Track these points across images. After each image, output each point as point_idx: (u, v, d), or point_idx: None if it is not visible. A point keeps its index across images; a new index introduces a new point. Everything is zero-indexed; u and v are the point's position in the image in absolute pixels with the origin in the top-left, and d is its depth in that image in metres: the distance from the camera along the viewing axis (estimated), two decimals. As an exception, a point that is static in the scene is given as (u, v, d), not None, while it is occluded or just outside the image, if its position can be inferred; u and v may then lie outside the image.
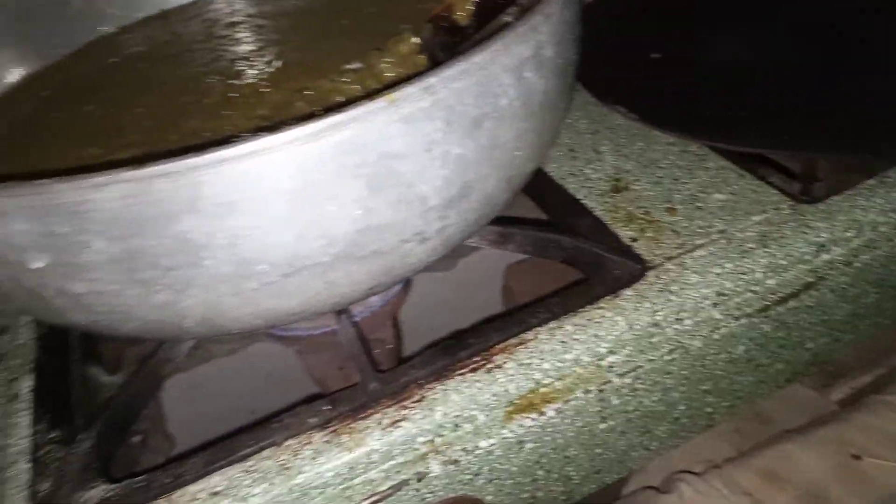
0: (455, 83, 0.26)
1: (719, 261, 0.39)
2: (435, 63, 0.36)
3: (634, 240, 0.42)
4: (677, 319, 0.38)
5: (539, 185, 0.48)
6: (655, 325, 0.37)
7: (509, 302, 0.67)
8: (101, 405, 0.40)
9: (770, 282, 0.39)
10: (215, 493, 0.32)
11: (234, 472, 0.33)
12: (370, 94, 0.24)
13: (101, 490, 0.33)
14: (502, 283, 0.69)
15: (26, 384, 0.41)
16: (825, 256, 0.41)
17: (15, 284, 0.27)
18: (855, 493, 0.48)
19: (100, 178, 0.22)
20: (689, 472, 0.52)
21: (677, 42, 0.52)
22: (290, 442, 0.34)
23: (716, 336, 0.38)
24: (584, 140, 0.52)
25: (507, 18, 0.37)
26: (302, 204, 0.25)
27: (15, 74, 0.47)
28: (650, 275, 0.39)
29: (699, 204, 0.43)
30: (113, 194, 0.23)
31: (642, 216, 0.43)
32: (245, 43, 0.49)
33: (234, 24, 0.51)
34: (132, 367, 0.46)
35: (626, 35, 0.55)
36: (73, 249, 0.25)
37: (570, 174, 0.48)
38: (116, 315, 0.28)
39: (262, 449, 0.33)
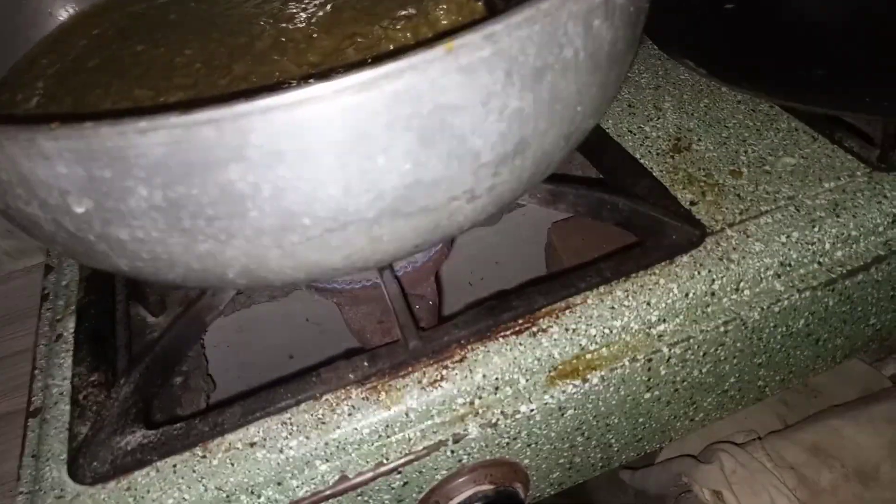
0: (519, 31, 0.24)
1: (786, 229, 0.37)
2: (493, 11, 0.33)
3: (694, 203, 0.39)
4: (735, 290, 0.36)
5: (595, 142, 0.45)
6: (711, 294, 0.36)
7: (553, 260, 0.66)
8: (145, 347, 0.41)
9: (839, 253, 0.37)
10: (252, 444, 0.32)
11: (271, 423, 0.33)
12: (427, 42, 0.23)
13: (139, 436, 0.33)
14: (546, 240, 0.68)
15: (70, 325, 0.42)
16: (899, 230, 0.38)
17: (58, 227, 0.26)
18: (906, 475, 0.46)
19: (144, 123, 0.21)
20: (731, 441, 0.51)
21: None
22: (327, 396, 0.33)
23: (776, 309, 0.37)
24: (644, 95, 0.49)
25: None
26: (350, 156, 0.24)
27: (66, 12, 0.46)
28: (709, 241, 0.37)
29: (767, 167, 0.41)
30: (157, 140, 0.22)
31: (704, 178, 0.41)
32: None
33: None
34: (176, 309, 0.46)
35: None
36: (115, 195, 0.24)
37: (629, 131, 0.46)
38: (159, 263, 0.27)
39: (300, 402, 0.33)
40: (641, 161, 0.43)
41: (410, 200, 0.26)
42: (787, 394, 0.56)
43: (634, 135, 0.45)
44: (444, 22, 0.35)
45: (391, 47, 0.36)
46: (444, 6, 0.35)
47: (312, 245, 0.27)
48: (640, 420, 0.38)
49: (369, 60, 0.22)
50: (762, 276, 0.36)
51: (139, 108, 0.32)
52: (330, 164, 0.24)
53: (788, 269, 0.36)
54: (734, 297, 0.36)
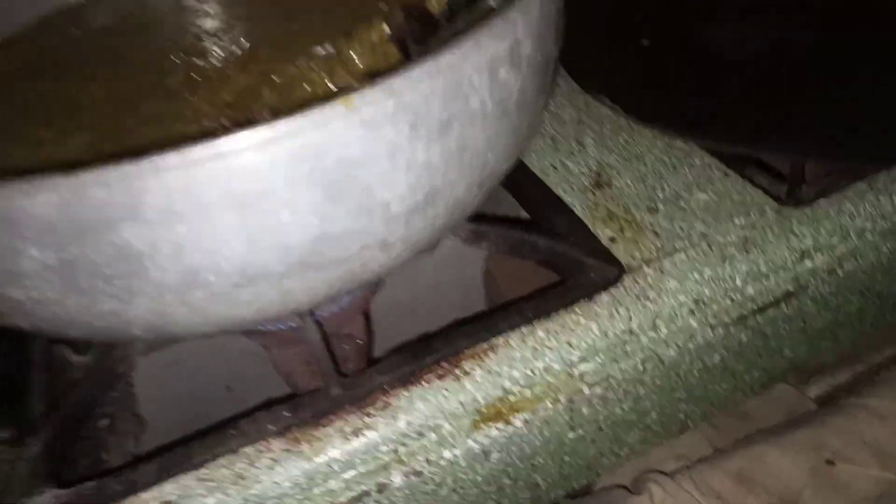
0: (421, 85, 0.24)
1: (699, 266, 0.38)
2: (406, 54, 0.34)
3: (613, 240, 0.40)
4: (653, 327, 0.37)
5: (518, 179, 0.46)
6: (630, 332, 0.36)
7: (490, 284, 0.66)
8: (63, 393, 0.39)
9: (750, 290, 0.38)
10: (168, 502, 0.31)
11: (187, 480, 0.32)
12: (328, 97, 0.22)
13: (49, 496, 0.32)
14: (483, 267, 0.68)
15: (-21, 378, 0.40)
16: (808, 264, 0.39)
17: (-53, 289, 0.25)
18: (827, 499, 0.47)
19: (29, 185, 0.21)
20: (660, 471, 0.52)
21: (669, 29, 0.50)
22: (247, 449, 0.32)
23: (691, 345, 0.37)
24: (567, 130, 0.50)
25: (490, 2, 0.35)
26: (253, 212, 0.24)
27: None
28: (627, 279, 0.38)
29: (682, 203, 0.42)
30: (45, 201, 0.21)
31: (623, 214, 0.42)
32: (214, 17, 0.47)
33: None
34: (102, 347, 0.44)
35: (615, 18, 0.53)
36: (6, 256, 0.23)
37: (552, 166, 0.47)
38: (58, 322, 0.26)
39: (217, 457, 0.32)
40: (564, 197, 0.44)
41: (320, 253, 0.26)
42: (716, 418, 0.58)
43: (557, 170, 0.46)
44: (360, 64, 0.35)
45: (306, 87, 0.36)
46: (359, 49, 0.35)
47: (220, 300, 0.26)
48: (566, 459, 0.39)
49: (268, 116, 0.22)
50: (677, 313, 0.37)
51: (26, 169, 0.31)
52: (231, 220, 0.24)
53: (702, 305, 0.37)
54: (651, 334, 0.37)
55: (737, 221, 0.40)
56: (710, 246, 0.39)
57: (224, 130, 0.22)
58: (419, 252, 0.31)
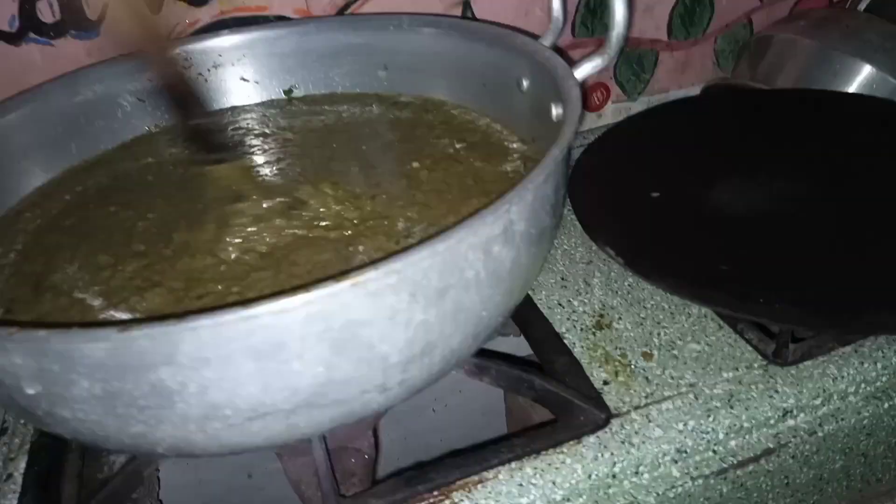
0: (421, 264, 0.29)
1: (684, 417, 0.41)
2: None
3: (607, 383, 0.43)
4: (635, 473, 0.39)
5: (524, 314, 0.50)
6: (613, 476, 0.39)
7: (513, 405, 0.68)
8: (100, 482, 0.43)
9: (731, 443, 0.40)
10: None
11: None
12: (339, 275, 0.27)
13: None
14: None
15: (21, 465, 0.44)
16: (790, 422, 0.42)
17: (11, 401, 0.30)
18: None
19: (89, 334, 0.25)
20: None
21: (679, 182, 0.54)
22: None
23: (671, 494, 0.39)
24: (577, 269, 0.54)
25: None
26: (268, 361, 0.28)
27: (56, 169, 0.51)
28: (615, 423, 0.41)
29: (675, 352, 0.45)
30: (99, 346, 0.26)
31: (619, 358, 0.45)
32: (273, 164, 0.51)
33: (265, 136, 0.54)
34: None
35: (626, 170, 0.58)
36: (61, 384, 0.27)
37: (558, 304, 0.50)
38: (97, 437, 0.30)
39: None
40: (566, 336, 0.47)
41: (324, 395, 0.30)
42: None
43: (563, 308, 0.50)
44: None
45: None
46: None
47: (234, 430, 0.30)
48: None
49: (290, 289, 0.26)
50: (660, 461, 0.39)
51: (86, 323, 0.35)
52: (249, 367, 0.28)
53: (685, 455, 0.40)
54: (634, 479, 0.39)
55: (724, 375, 0.43)
56: (696, 397, 0.42)
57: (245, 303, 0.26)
58: (416, 393, 0.34)
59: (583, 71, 0.42)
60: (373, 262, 0.27)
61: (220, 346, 0.27)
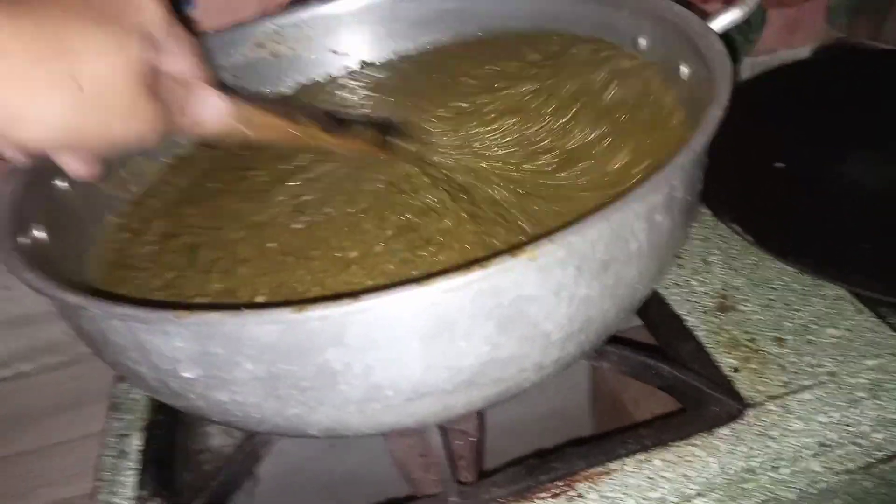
0: (590, 233, 0.27)
1: (825, 408, 0.38)
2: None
3: (736, 370, 0.41)
4: (773, 467, 0.37)
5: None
6: (750, 471, 0.37)
7: (602, 404, 0.66)
8: (205, 477, 0.42)
9: (877, 436, 0.38)
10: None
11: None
12: (513, 248, 0.25)
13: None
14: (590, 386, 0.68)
15: (136, 443, 0.44)
16: (942, 407, 0.39)
17: (162, 385, 0.29)
18: None
19: (261, 315, 0.24)
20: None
21: (804, 152, 0.51)
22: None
23: (812, 490, 0.37)
24: (692, 247, 0.50)
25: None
26: (436, 341, 0.26)
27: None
28: (750, 414, 0.38)
29: (810, 337, 0.42)
30: (271, 328, 0.25)
31: (748, 343, 0.42)
32: None
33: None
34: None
35: (747, 139, 0.54)
36: (224, 367, 0.26)
37: (676, 284, 0.48)
38: (249, 419, 0.30)
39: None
40: (686, 318, 0.45)
41: (484, 375, 0.29)
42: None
43: (682, 288, 0.47)
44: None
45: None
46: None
47: (391, 411, 0.29)
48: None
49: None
50: (801, 455, 0.37)
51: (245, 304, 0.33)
52: (416, 347, 0.26)
53: (827, 449, 0.37)
54: (772, 474, 0.37)
55: (867, 363, 0.40)
56: (838, 386, 0.39)
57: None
58: (564, 370, 0.33)
59: (720, 23, 0.39)
60: (545, 235, 0.26)
61: (389, 327, 0.26)
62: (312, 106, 0.51)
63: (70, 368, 0.65)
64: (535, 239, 0.26)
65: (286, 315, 0.24)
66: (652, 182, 0.28)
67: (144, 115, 0.27)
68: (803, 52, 0.68)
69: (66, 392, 0.66)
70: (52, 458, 0.66)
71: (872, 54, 0.62)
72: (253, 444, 0.42)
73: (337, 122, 0.39)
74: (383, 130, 0.41)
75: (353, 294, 0.24)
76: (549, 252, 0.26)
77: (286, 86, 0.53)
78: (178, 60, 0.30)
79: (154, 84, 0.28)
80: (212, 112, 0.32)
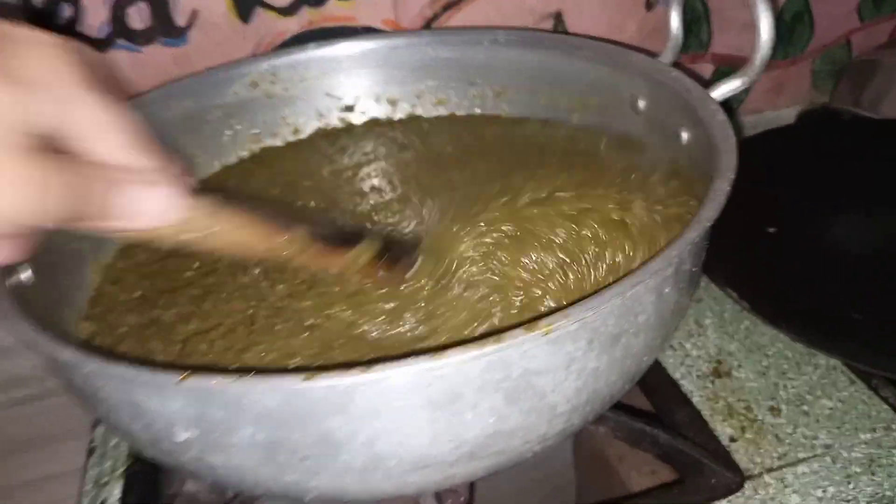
0: (602, 308, 0.27)
1: (822, 482, 0.38)
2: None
3: (734, 439, 0.41)
4: (773, 542, 0.36)
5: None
6: (749, 543, 0.36)
7: (586, 471, 0.65)
8: None
9: (875, 510, 0.38)
10: None
11: None
12: (524, 323, 0.25)
13: None
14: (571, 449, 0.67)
15: (115, 492, 0.42)
16: (938, 483, 0.39)
17: (153, 445, 0.28)
18: None
19: (266, 382, 0.24)
20: None
21: (795, 217, 0.51)
22: None
23: (813, 562, 0.37)
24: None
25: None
26: (442, 412, 0.26)
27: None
28: (748, 486, 0.38)
29: (805, 407, 0.42)
30: (275, 395, 0.24)
31: (744, 411, 0.42)
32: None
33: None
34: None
35: (740, 203, 0.54)
36: (220, 431, 0.25)
37: (670, 346, 0.47)
38: (244, 483, 0.29)
39: None
40: (682, 384, 0.44)
41: (488, 447, 0.28)
42: None
43: (676, 351, 0.47)
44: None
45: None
46: None
47: (391, 481, 0.28)
48: None
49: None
50: (799, 529, 0.37)
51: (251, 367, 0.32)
52: (422, 418, 0.26)
53: (825, 524, 0.37)
54: (772, 549, 0.36)
55: (862, 436, 0.40)
56: (833, 460, 0.39)
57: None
58: (565, 439, 0.32)
59: (721, 92, 0.39)
60: (558, 310, 0.25)
61: (396, 398, 0.25)
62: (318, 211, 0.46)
63: (40, 402, 0.63)
64: (549, 313, 0.25)
65: (294, 383, 0.23)
66: (664, 256, 0.28)
67: (24, 183, 0.20)
68: (788, 113, 0.70)
69: (35, 427, 0.63)
70: (21, 500, 0.64)
71: (856, 122, 0.63)
72: (240, 500, 0.41)
73: (343, 234, 0.36)
74: (397, 252, 0.35)
75: (364, 363, 0.23)
76: (563, 326, 0.25)
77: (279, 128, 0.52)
78: (102, 138, 0.23)
79: (49, 153, 0.21)
80: (150, 207, 0.24)
